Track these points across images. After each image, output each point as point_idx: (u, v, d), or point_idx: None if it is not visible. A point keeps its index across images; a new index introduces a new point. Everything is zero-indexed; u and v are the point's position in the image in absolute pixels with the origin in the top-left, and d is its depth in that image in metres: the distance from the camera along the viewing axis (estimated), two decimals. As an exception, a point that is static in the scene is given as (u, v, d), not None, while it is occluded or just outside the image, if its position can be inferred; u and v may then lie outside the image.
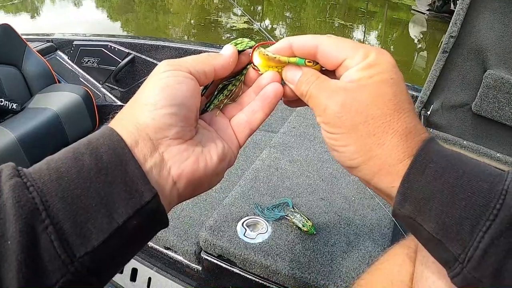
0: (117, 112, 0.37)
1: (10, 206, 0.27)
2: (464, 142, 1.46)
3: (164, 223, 0.34)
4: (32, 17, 9.22)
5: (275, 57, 0.40)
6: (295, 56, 0.40)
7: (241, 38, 0.43)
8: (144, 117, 0.34)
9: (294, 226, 1.01)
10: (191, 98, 0.36)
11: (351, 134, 0.34)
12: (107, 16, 9.54)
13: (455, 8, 1.29)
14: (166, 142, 0.34)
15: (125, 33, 8.14)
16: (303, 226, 0.99)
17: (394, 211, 0.34)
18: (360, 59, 0.35)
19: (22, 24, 7.73)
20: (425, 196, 0.31)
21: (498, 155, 1.41)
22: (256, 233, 1.00)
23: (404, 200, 0.32)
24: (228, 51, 0.41)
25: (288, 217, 1.02)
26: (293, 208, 1.06)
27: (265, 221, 1.03)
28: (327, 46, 0.37)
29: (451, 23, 1.32)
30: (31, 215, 0.27)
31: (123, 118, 0.35)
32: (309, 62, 0.39)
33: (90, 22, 8.51)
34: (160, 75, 0.36)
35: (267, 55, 0.40)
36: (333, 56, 0.37)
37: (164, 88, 0.35)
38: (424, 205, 0.31)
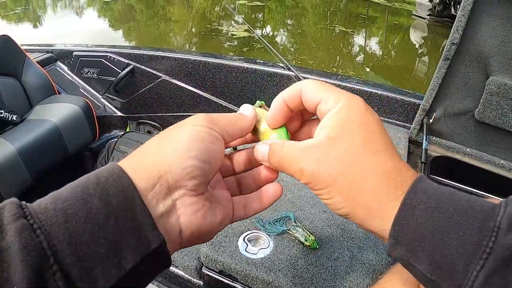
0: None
1: (16, 251, 0.26)
2: (468, 149, 1.45)
3: (168, 265, 0.34)
4: (34, 26, 9.27)
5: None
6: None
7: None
8: (171, 161, 0.34)
9: (296, 241, 0.99)
10: (217, 159, 0.37)
11: (333, 187, 0.35)
12: (109, 25, 9.60)
13: (455, 12, 1.29)
14: (182, 191, 0.35)
15: (127, 42, 8.20)
16: (306, 240, 0.97)
17: (388, 253, 0.35)
18: (332, 103, 0.36)
19: (24, 33, 7.78)
20: (417, 238, 0.31)
21: (502, 162, 1.39)
22: (258, 248, 0.98)
23: (396, 243, 0.33)
24: (251, 112, 0.43)
25: (290, 231, 1.00)
26: (295, 222, 1.04)
27: (267, 236, 1.01)
28: (308, 89, 0.39)
29: (452, 29, 1.31)
30: (39, 261, 0.26)
31: (147, 158, 0.35)
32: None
33: (92, 32, 8.56)
34: (197, 128, 0.36)
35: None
36: (311, 98, 0.38)
37: (199, 141, 0.36)
38: (416, 246, 0.31)
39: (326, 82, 0.39)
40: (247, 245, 0.99)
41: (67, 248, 0.27)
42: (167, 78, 2.29)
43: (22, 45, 2.30)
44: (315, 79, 1.89)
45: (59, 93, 2.41)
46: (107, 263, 0.29)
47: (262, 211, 1.09)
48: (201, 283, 1.09)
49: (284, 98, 0.40)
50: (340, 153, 0.35)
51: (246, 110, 0.43)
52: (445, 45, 1.35)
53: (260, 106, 0.45)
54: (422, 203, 0.32)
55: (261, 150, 0.41)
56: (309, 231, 1.00)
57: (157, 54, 2.29)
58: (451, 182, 1.40)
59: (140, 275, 0.31)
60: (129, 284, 0.31)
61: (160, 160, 0.34)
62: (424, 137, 1.45)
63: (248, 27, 2.39)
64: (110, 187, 0.31)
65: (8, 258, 0.26)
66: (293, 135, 0.44)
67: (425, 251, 0.31)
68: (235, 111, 0.44)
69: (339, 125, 0.35)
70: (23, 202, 0.29)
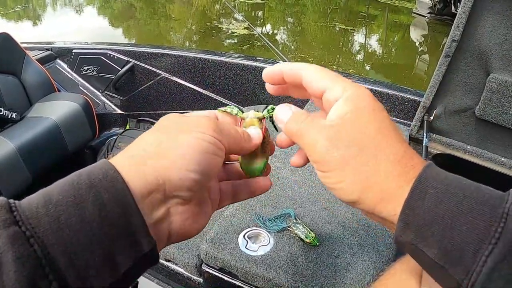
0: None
1: (9, 261, 0.25)
2: (468, 147, 1.44)
3: (156, 262, 0.34)
4: (34, 24, 9.26)
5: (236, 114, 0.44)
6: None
7: (230, 107, 0.46)
8: (170, 169, 0.33)
9: (297, 238, 0.99)
10: (216, 170, 0.37)
11: (344, 169, 0.34)
12: (109, 23, 9.59)
13: (456, 10, 1.29)
14: (176, 200, 0.35)
15: (127, 40, 8.18)
16: (306, 237, 0.97)
17: (396, 238, 0.34)
18: (339, 92, 0.36)
19: (24, 32, 7.77)
20: (427, 222, 0.31)
21: (502, 159, 1.39)
22: (258, 245, 0.98)
23: (406, 227, 0.32)
24: (257, 140, 0.42)
25: (290, 229, 1.00)
26: (296, 219, 1.04)
27: (267, 233, 1.01)
28: (310, 75, 0.38)
29: (453, 27, 1.31)
30: (33, 271, 0.26)
31: (146, 163, 0.33)
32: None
33: (92, 29, 8.56)
34: (203, 136, 0.35)
35: (226, 112, 0.44)
36: (314, 85, 0.38)
37: (202, 153, 0.34)
38: (425, 231, 0.31)
39: None
40: (247, 242, 0.99)
41: (61, 257, 0.27)
42: (167, 75, 2.28)
43: (21, 43, 2.29)
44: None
45: (59, 90, 2.40)
46: (102, 270, 0.29)
47: (262, 208, 1.09)
48: (201, 280, 1.09)
49: (282, 69, 0.41)
50: (354, 136, 0.34)
51: (255, 134, 0.42)
52: (445, 43, 1.35)
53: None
54: (433, 187, 0.31)
55: (283, 112, 0.41)
56: (309, 228, 1.00)
57: (157, 51, 2.28)
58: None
59: (132, 276, 0.32)
60: (121, 285, 0.31)
61: (160, 166, 0.33)
62: (425, 134, 1.45)
63: (249, 24, 2.39)
64: (104, 191, 0.30)
65: (0, 265, 0.25)
66: None
67: (434, 236, 0.30)
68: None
69: (353, 109, 0.35)
70: (12, 203, 0.28)
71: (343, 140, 0.34)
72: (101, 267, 0.29)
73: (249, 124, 0.43)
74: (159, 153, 0.34)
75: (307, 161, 0.42)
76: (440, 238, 0.30)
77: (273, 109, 0.43)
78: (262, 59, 2.11)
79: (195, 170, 0.34)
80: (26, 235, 0.27)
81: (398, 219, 0.32)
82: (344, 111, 0.35)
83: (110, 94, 2.51)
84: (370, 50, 8.16)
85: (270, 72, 0.41)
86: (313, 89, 0.38)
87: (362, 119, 0.35)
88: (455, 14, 1.30)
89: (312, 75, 0.38)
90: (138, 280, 1.13)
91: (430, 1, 9.09)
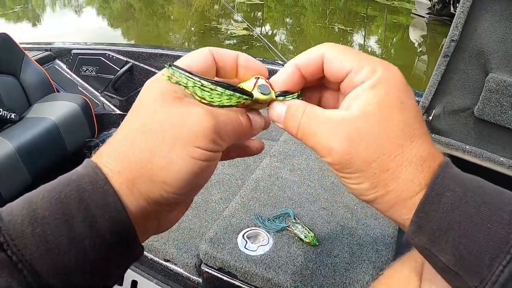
0: (99, 148, 0.35)
1: None
2: (467, 147, 1.44)
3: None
4: (34, 25, 9.25)
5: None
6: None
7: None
8: (159, 195, 0.30)
9: (296, 238, 0.99)
10: (208, 178, 0.33)
11: (364, 173, 0.31)
12: (108, 24, 9.59)
13: (455, 11, 1.28)
14: (166, 213, 0.35)
15: (126, 41, 8.19)
16: (305, 237, 0.97)
17: (407, 240, 0.31)
18: (366, 74, 0.31)
19: (23, 32, 7.76)
20: (442, 227, 0.29)
21: (501, 159, 1.39)
22: (257, 245, 0.98)
23: (419, 231, 0.30)
24: (260, 128, 0.36)
25: (289, 228, 1.00)
26: (295, 218, 1.04)
27: (266, 233, 1.01)
28: (332, 55, 0.32)
29: (451, 26, 1.30)
30: None
31: (134, 182, 0.30)
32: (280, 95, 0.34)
33: (91, 29, 8.56)
34: (198, 154, 0.30)
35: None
36: (338, 66, 0.32)
37: (196, 175, 0.30)
38: (440, 236, 0.29)
39: None
40: (247, 242, 0.99)
41: (53, 279, 0.26)
42: None
43: (20, 43, 2.29)
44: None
45: (58, 91, 2.39)
46: (95, 282, 0.29)
47: (262, 208, 1.09)
48: (200, 280, 1.09)
49: (297, 64, 0.34)
50: (377, 135, 0.30)
51: (258, 123, 0.36)
52: (444, 43, 1.35)
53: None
54: (450, 190, 0.29)
55: (277, 110, 0.35)
56: (308, 228, 1.00)
57: (155, 51, 2.28)
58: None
59: (119, 277, 0.32)
60: (109, 285, 0.31)
61: (148, 190, 0.30)
62: (424, 134, 1.45)
63: (248, 25, 2.39)
64: (94, 207, 0.28)
65: None
66: None
67: (449, 242, 0.28)
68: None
69: (377, 100, 0.30)
70: None
71: (364, 140, 0.30)
72: (94, 282, 0.29)
73: (257, 106, 0.36)
74: (147, 173, 0.30)
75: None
76: (456, 244, 0.28)
77: (297, 96, 0.35)
78: (261, 59, 2.11)
79: (187, 193, 0.31)
80: (13, 261, 0.25)
81: (411, 221, 0.30)
82: (367, 101, 0.30)
83: (109, 94, 2.51)
84: (369, 51, 8.16)
85: (281, 80, 0.34)
86: (336, 69, 0.32)
87: (387, 114, 0.30)
88: (454, 15, 1.30)
89: (337, 55, 0.32)
90: (138, 280, 1.14)
91: (429, 2, 9.12)
